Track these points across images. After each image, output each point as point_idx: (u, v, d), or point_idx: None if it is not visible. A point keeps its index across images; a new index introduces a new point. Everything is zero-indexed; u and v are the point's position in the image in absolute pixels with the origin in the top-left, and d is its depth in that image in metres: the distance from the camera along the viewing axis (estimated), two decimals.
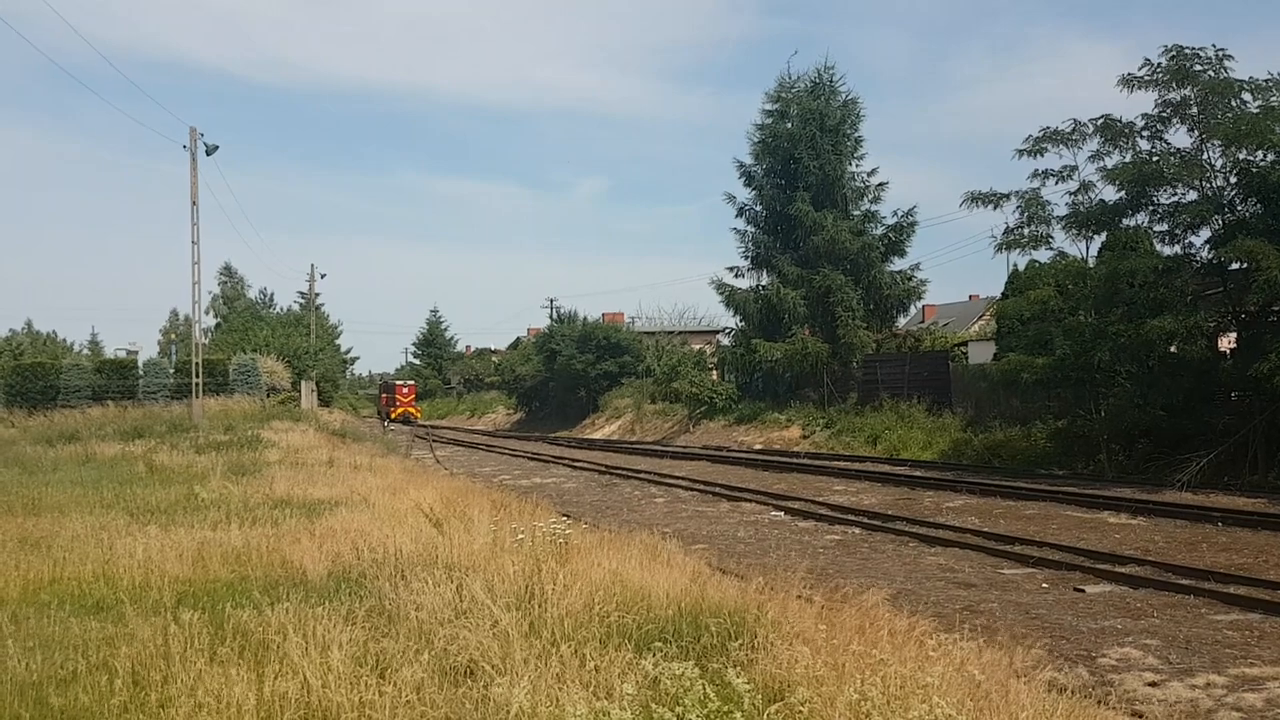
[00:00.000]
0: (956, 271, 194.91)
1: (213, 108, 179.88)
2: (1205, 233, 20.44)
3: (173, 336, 76.96)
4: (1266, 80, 19.66)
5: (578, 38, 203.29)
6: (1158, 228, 21.21)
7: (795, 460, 26.72)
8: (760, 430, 35.39)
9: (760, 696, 4.33)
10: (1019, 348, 23.24)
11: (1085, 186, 21.93)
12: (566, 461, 29.55)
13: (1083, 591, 10.03)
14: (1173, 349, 20.74)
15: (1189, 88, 20.05)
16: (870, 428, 30.00)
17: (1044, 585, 10.46)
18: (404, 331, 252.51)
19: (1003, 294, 32.59)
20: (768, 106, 39.54)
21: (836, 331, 35.28)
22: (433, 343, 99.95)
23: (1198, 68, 20.00)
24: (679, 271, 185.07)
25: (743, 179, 40.04)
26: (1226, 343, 22.16)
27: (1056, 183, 22.30)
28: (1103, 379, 21.29)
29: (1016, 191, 22.65)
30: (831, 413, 33.43)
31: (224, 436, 24.63)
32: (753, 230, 39.54)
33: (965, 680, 4.83)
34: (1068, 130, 21.73)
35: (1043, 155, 22.09)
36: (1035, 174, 22.31)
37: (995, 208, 22.94)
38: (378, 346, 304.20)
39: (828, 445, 30.69)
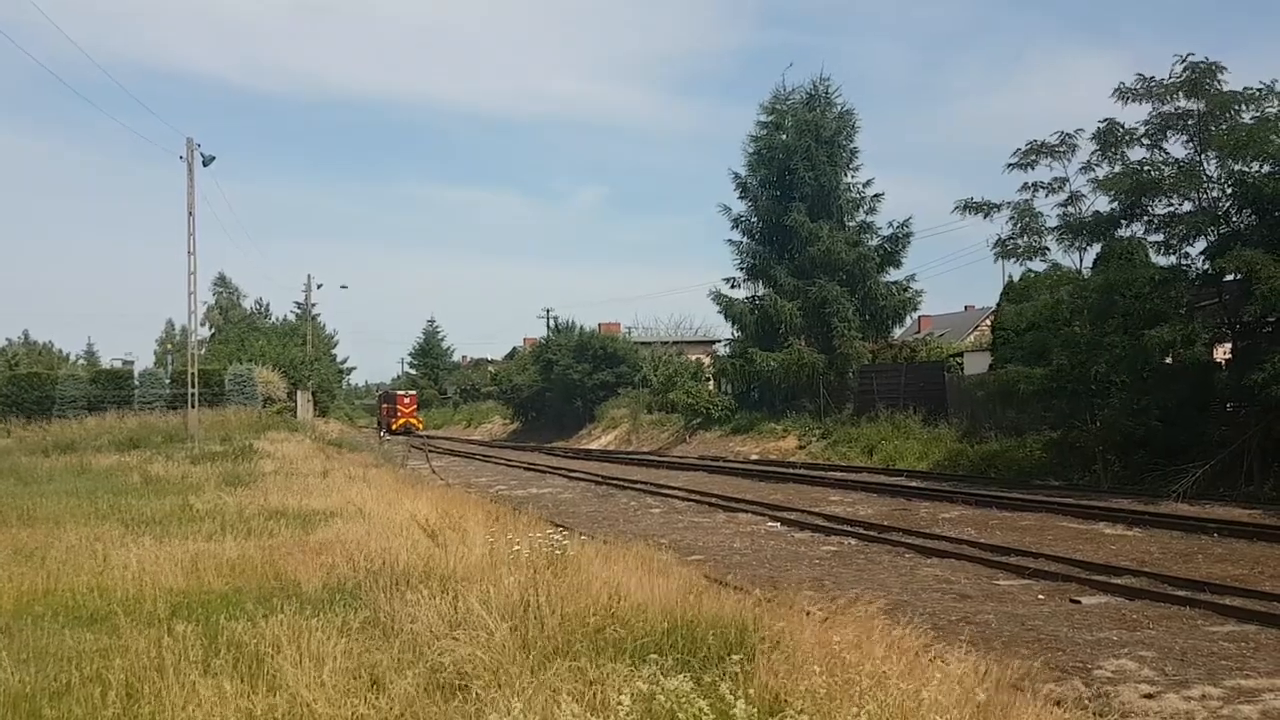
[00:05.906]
0: (952, 283, 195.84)
1: (210, 116, 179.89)
2: (1201, 243, 20.52)
3: (169, 347, 76.93)
4: (1261, 89, 19.71)
5: (575, 47, 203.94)
6: (1153, 238, 21.28)
7: (791, 471, 26.70)
8: (756, 441, 35.38)
9: (757, 711, 4.32)
10: (1015, 358, 23.24)
11: (1075, 198, 22.06)
12: (563, 472, 29.51)
13: (1079, 603, 10.02)
14: (1168, 359, 20.76)
15: (1197, 100, 20.00)
16: (866, 438, 30.01)
17: (1040, 596, 10.44)
18: (400, 341, 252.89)
19: (998, 304, 32.66)
20: (763, 118, 39.61)
21: (832, 342, 35.33)
22: (429, 353, 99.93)
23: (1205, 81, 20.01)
24: (676, 282, 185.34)
25: (738, 190, 40.04)
26: (1221, 353, 22.20)
27: (1047, 195, 22.44)
28: (1099, 389, 21.30)
29: (1008, 202, 22.74)
30: (827, 423, 33.42)
31: (219, 447, 24.63)
32: (748, 241, 39.54)
33: (963, 693, 4.82)
34: (1055, 143, 21.91)
35: (1033, 168, 22.26)
36: (1025, 186, 22.48)
37: (986, 216, 23.02)
38: (374, 357, 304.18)
39: (824, 456, 30.68)
